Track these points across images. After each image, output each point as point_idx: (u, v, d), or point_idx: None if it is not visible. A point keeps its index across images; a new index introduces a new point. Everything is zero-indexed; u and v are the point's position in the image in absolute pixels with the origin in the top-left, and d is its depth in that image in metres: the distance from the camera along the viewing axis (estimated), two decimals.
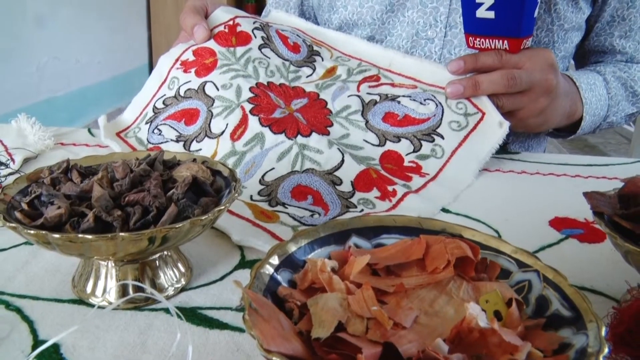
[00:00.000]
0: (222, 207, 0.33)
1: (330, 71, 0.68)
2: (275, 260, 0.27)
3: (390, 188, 0.53)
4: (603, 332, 0.23)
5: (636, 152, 2.70)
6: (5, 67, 2.76)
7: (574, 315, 0.25)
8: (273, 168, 0.53)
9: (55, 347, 0.30)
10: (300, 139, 0.56)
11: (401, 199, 0.52)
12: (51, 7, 3.09)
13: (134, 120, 0.64)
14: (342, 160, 0.54)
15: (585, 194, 0.37)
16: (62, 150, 0.63)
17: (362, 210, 0.49)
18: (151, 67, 4.43)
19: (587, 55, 0.89)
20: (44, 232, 0.29)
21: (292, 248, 0.29)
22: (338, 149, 0.55)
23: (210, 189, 0.36)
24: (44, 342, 0.30)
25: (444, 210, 0.52)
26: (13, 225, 0.30)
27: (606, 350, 0.22)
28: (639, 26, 0.83)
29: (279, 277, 0.27)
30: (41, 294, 0.35)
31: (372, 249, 0.30)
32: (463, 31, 0.71)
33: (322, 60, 0.69)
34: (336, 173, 0.53)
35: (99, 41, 3.65)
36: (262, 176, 0.52)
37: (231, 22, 0.68)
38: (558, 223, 0.51)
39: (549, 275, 0.27)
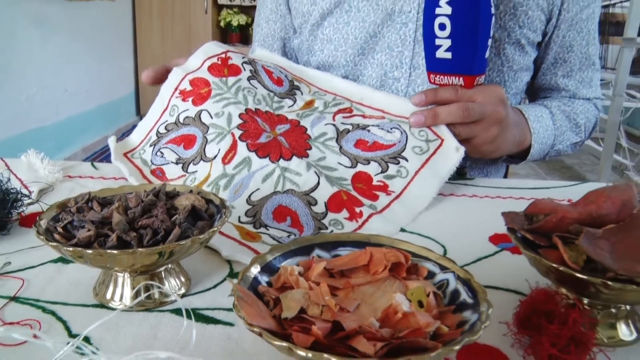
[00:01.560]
0: (215, 229, 0.42)
1: (309, 103, 0.78)
2: (256, 267, 0.36)
3: (357, 209, 0.62)
4: (489, 311, 0.32)
5: (604, 172, 2.84)
6: None
7: (474, 302, 0.34)
8: (258, 189, 0.62)
9: (86, 339, 0.39)
10: (282, 162, 0.65)
11: (366, 220, 0.61)
12: (41, 39, 3.19)
13: (140, 142, 0.73)
14: (318, 183, 0.63)
15: (503, 213, 0.46)
16: (71, 182, 0.72)
17: (332, 231, 0.58)
18: (137, 95, 4.52)
19: (536, 91, 1.00)
20: (80, 248, 0.38)
21: (269, 258, 0.38)
22: (315, 172, 0.64)
23: (205, 214, 0.45)
24: (76, 335, 0.39)
25: (402, 230, 0.61)
26: (54, 244, 0.39)
27: (488, 322, 0.31)
28: (578, 67, 0.94)
29: (259, 279, 0.36)
30: (69, 301, 0.44)
31: (330, 259, 0.39)
32: (425, 71, 0.81)
33: (302, 94, 0.79)
34: (312, 194, 0.62)
35: (87, 71, 3.75)
36: (249, 196, 0.61)
37: (223, 55, 0.78)
38: (496, 238, 0.60)
39: (461, 275, 0.37)
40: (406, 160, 0.69)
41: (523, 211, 0.45)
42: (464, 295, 0.35)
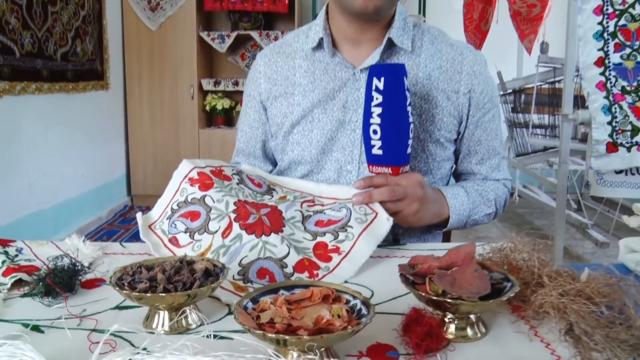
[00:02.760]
0: (220, 281, 0.69)
1: (282, 198, 1.06)
2: (247, 299, 0.63)
3: (315, 272, 0.89)
4: (374, 315, 0.59)
5: (559, 231, 3.14)
6: (1, 184, 3.09)
7: (367, 313, 0.61)
8: (247, 256, 0.88)
9: (144, 349, 0.65)
10: (263, 237, 0.92)
11: (320, 279, 0.87)
12: (43, 131, 3.49)
13: (159, 216, 1.00)
14: (288, 252, 0.90)
15: (399, 265, 0.74)
16: (108, 258, 0.98)
17: None
18: (128, 178, 4.81)
19: (458, 175, 1.30)
20: (141, 294, 0.64)
21: (254, 294, 0.65)
22: (287, 244, 0.91)
23: (213, 273, 0.72)
24: (137, 347, 0.65)
25: (346, 281, 0.88)
26: (126, 292, 0.65)
27: (371, 320, 0.58)
28: (487, 157, 1.23)
29: (248, 306, 0.63)
30: (128, 330, 0.70)
31: (289, 295, 0.66)
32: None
33: (277, 193, 1.08)
34: (284, 260, 0.89)
35: (82, 156, 4.04)
36: (240, 261, 0.87)
37: (219, 168, 1.06)
38: None
39: (364, 300, 0.64)
40: (351, 227, 0.96)
41: (408, 262, 0.73)
42: (364, 311, 0.63)
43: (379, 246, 0.97)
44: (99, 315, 0.75)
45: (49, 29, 3.50)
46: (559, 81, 4.02)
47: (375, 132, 1.03)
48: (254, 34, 4.73)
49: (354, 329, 0.56)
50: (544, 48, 3.81)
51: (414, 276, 0.71)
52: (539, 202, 4.39)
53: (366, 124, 1.04)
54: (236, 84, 4.85)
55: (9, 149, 3.15)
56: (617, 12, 2.41)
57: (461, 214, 1.17)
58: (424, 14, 4.76)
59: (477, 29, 4.38)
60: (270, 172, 1.31)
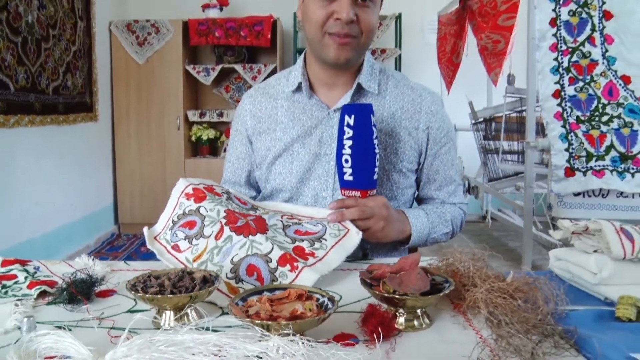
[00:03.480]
0: (215, 286, 0.86)
1: (265, 213, 1.23)
2: (238, 299, 0.80)
3: (295, 264, 1.05)
4: (337, 307, 0.76)
5: (527, 251, 3.34)
6: None
7: (332, 306, 0.78)
8: (237, 254, 1.04)
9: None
10: (250, 237, 1.07)
11: (300, 272, 1.03)
12: (35, 161, 3.63)
13: (162, 228, 1.16)
14: (272, 249, 1.06)
15: (359, 272, 0.91)
16: (117, 273, 1.14)
17: (279, 282, 1.01)
18: (116, 207, 4.93)
19: (420, 200, 1.48)
20: (152, 296, 0.81)
21: (244, 295, 0.82)
22: (270, 242, 1.07)
23: (209, 280, 0.89)
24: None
25: (316, 286, 1.05)
26: (140, 295, 0.82)
27: (334, 311, 0.75)
28: (445, 184, 1.41)
29: (239, 303, 0.80)
30: (141, 327, 0.86)
31: (271, 295, 0.83)
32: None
33: (259, 210, 1.25)
34: (269, 255, 1.05)
35: (72, 186, 4.17)
36: (232, 258, 1.04)
37: (211, 186, 1.23)
38: None
39: (330, 298, 0.81)
40: (326, 240, 1.13)
41: (366, 269, 0.91)
42: (329, 305, 0.80)
43: (349, 261, 1.15)
44: (114, 317, 0.91)
45: (42, 65, 3.67)
46: (525, 110, 4.28)
47: (346, 161, 1.21)
48: (238, 67, 4.94)
49: (321, 317, 0.74)
50: (510, 80, 4.06)
51: (371, 279, 0.88)
52: (512, 225, 4.59)
53: (339, 154, 1.22)
54: (221, 115, 5.04)
55: (3, 179, 3.28)
56: (570, 50, 2.65)
57: (421, 232, 1.34)
58: (399, 48, 5.01)
59: (449, 61, 4.64)
60: (254, 198, 1.48)
